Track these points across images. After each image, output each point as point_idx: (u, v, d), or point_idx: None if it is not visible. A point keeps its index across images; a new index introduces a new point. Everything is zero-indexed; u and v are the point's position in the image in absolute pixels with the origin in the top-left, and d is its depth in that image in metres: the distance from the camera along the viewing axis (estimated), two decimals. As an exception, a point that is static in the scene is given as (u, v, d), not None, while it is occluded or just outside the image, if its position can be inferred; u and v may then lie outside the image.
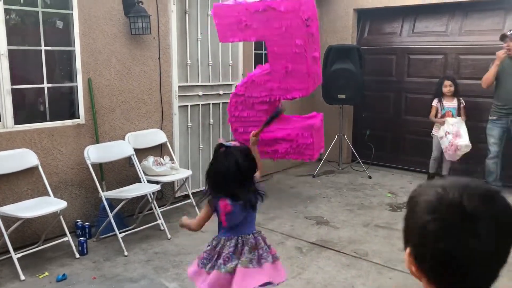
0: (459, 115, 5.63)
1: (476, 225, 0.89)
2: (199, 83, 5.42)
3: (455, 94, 5.65)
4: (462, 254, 0.90)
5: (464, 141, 5.36)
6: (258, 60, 6.27)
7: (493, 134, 5.33)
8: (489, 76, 5.21)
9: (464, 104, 5.65)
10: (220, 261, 2.43)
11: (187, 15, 5.16)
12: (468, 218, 0.90)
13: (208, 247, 2.52)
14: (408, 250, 0.99)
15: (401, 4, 6.39)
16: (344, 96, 6.29)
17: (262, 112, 2.85)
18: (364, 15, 7.01)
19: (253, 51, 6.09)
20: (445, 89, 5.65)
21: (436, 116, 5.75)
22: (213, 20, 2.68)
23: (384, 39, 6.82)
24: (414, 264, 0.98)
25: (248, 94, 2.78)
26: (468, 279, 0.93)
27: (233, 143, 2.46)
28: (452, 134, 5.40)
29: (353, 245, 4.16)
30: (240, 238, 2.48)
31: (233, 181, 2.36)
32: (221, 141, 2.46)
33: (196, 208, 4.91)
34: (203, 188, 2.53)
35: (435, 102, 5.76)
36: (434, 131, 5.80)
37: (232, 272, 2.41)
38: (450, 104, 5.66)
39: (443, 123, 5.53)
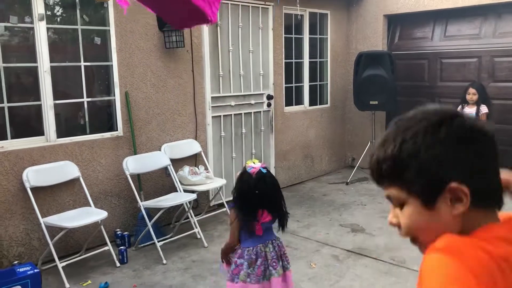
0: None
1: None
2: (231, 94, 5.51)
3: (479, 102, 5.42)
4: None
5: None
6: (289, 69, 6.32)
7: None
8: None
9: (487, 111, 5.41)
10: (270, 267, 2.61)
11: (218, 28, 5.27)
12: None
13: (246, 261, 2.61)
14: (455, 184, 0.84)
15: (431, 9, 6.33)
16: (376, 102, 6.26)
17: None
18: (394, 21, 6.97)
19: (283, 60, 6.15)
20: (468, 96, 5.47)
21: None
22: None
23: (415, 44, 6.76)
24: (468, 198, 0.84)
25: None
26: None
27: (256, 166, 2.59)
28: None
29: (390, 252, 4.12)
30: (273, 241, 2.69)
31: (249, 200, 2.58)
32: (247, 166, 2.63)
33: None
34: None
35: (458, 109, 5.63)
36: None
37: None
38: (471, 110, 5.46)
39: None
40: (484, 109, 5.41)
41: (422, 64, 6.66)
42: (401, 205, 0.92)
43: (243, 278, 2.57)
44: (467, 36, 6.26)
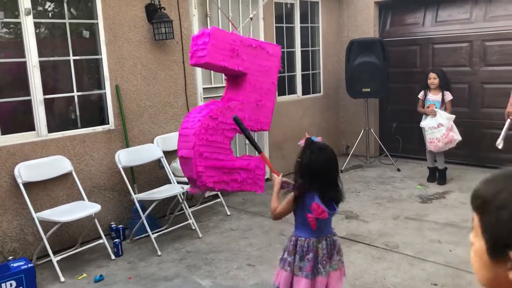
0: (443, 108, 5.48)
1: None
2: (223, 84, 5.48)
3: (441, 87, 5.49)
4: None
5: (458, 136, 5.40)
6: (281, 58, 6.29)
7: None
8: None
9: (451, 98, 5.46)
10: (319, 265, 2.41)
11: (208, 18, 5.25)
12: None
13: (299, 252, 2.44)
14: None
15: (422, -6, 6.32)
16: (368, 90, 6.27)
17: (228, 139, 2.99)
18: (385, 8, 6.95)
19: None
20: (429, 81, 5.54)
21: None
22: (209, 39, 2.78)
23: (406, 30, 6.75)
24: None
25: (222, 119, 2.89)
26: None
27: (318, 138, 2.48)
28: (446, 127, 5.34)
29: (383, 238, 4.15)
30: (327, 237, 2.48)
31: (326, 176, 2.39)
32: (310, 136, 2.48)
33: (226, 208, 4.99)
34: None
35: (420, 95, 5.66)
36: (422, 123, 5.61)
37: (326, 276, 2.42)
38: (435, 97, 5.52)
39: (434, 114, 5.40)
40: (448, 96, 5.49)
41: (414, 50, 6.66)
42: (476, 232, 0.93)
43: (296, 271, 2.43)
44: (458, 21, 6.26)
